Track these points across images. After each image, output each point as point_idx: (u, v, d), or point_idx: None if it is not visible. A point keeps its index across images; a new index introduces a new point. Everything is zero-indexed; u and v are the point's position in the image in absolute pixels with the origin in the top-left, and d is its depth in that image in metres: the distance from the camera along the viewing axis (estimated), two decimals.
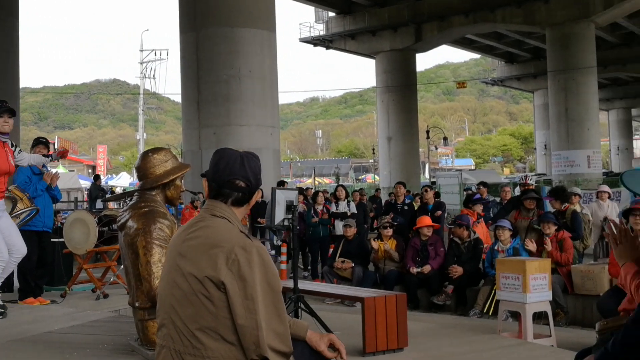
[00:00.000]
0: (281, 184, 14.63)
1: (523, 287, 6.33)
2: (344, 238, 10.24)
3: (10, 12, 18.71)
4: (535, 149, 59.46)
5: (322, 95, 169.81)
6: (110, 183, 41.86)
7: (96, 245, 8.41)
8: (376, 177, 51.90)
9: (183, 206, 14.19)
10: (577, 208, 10.77)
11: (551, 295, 6.68)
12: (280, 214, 5.96)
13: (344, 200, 12.56)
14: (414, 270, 9.13)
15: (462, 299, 8.82)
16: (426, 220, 9.73)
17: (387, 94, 35.85)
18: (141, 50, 54.96)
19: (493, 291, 7.77)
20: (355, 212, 12.52)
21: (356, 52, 38.62)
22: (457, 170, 52.73)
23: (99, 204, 21.05)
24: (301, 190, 16.01)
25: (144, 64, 54.22)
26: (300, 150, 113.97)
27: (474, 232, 9.50)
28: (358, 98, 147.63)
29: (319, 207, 12.17)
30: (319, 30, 39.08)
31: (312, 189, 22.88)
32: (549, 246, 8.18)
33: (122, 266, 5.51)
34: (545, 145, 46.79)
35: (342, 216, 11.96)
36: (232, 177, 2.50)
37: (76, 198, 27.18)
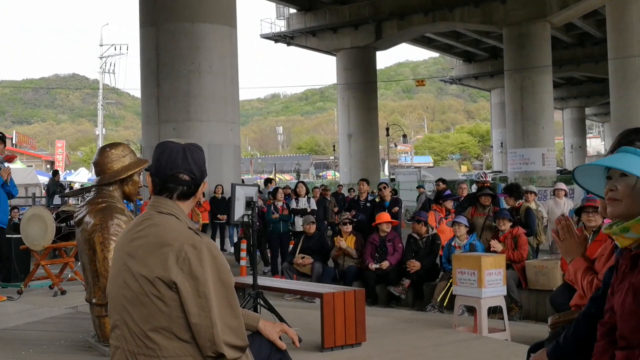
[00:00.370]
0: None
1: (478, 282, 6.47)
2: (303, 234, 10.30)
3: None
4: (491, 146, 60.39)
5: (283, 92, 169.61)
6: (69, 179, 41.11)
7: (54, 241, 8.30)
8: (337, 174, 52.13)
9: (142, 202, 14.06)
10: (533, 205, 11.02)
11: (506, 290, 6.84)
12: (239, 210, 5.98)
13: (304, 197, 12.61)
14: (373, 266, 9.25)
15: (419, 294, 8.97)
16: (385, 216, 9.85)
17: (348, 91, 36.02)
18: (101, 45, 54.10)
19: (449, 286, 7.92)
20: (316, 208, 12.58)
21: (317, 49, 38.68)
22: (415, 167, 53.30)
23: (57, 200, 20.68)
24: (269, 180, 16.00)
25: (104, 59, 53.40)
26: (260, 146, 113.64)
27: (432, 228, 9.67)
28: (319, 95, 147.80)
29: (279, 204, 12.20)
30: (280, 26, 39.04)
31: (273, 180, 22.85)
32: (498, 248, 8.34)
33: (79, 262, 5.47)
34: (502, 143, 47.56)
35: (302, 212, 12.01)
36: (175, 171, 2.43)
37: (34, 194, 26.62)
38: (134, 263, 2.35)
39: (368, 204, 12.22)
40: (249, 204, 6.02)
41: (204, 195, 16.05)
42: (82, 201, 5.23)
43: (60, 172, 25.46)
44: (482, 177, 12.48)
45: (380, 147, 42.50)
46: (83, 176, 43.92)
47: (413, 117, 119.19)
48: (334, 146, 60.92)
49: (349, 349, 5.68)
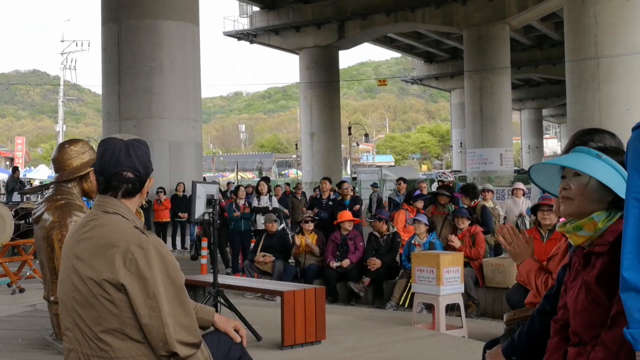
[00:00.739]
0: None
1: (437, 280, 6.57)
2: (265, 232, 10.30)
3: None
4: (451, 146, 61.07)
5: (246, 90, 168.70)
6: (29, 175, 40.29)
7: (12, 238, 8.17)
8: (299, 172, 52.11)
9: (93, 202, 13.86)
10: (490, 204, 11.22)
11: (463, 287, 6.96)
12: (200, 208, 5.96)
13: (266, 195, 12.61)
14: (334, 264, 9.30)
15: (379, 292, 9.06)
16: (347, 215, 9.91)
17: (310, 90, 36.05)
18: (62, 41, 53.13)
19: (409, 284, 8.01)
20: (277, 206, 12.59)
21: (280, 47, 38.60)
22: (377, 166, 53.60)
23: (16, 197, 20.28)
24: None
25: (65, 55, 52.46)
26: (223, 144, 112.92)
27: (393, 227, 9.77)
28: (282, 93, 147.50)
29: (241, 202, 12.18)
30: (243, 24, 38.83)
31: (233, 183, 22.77)
32: (456, 243, 8.48)
33: (38, 260, 5.39)
34: (461, 143, 48.11)
35: (264, 210, 12.00)
36: (119, 169, 2.39)
37: None
38: (81, 265, 2.32)
39: (330, 202, 12.31)
40: (210, 201, 6.00)
41: (164, 193, 15.93)
42: (41, 198, 5.17)
43: (19, 169, 24.96)
44: (443, 176, 12.67)
45: (342, 146, 42.63)
46: (43, 173, 43.12)
47: (375, 116, 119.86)
48: (296, 145, 60.90)
49: (309, 346, 5.71)
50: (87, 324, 2.31)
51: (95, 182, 2.45)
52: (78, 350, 2.35)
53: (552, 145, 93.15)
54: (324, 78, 35.96)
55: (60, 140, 46.57)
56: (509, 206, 11.76)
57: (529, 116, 65.61)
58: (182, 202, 15.58)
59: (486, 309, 8.32)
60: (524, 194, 12.14)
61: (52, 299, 4.36)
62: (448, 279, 6.62)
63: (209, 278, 6.46)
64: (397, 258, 9.45)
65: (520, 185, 12.32)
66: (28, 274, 8.52)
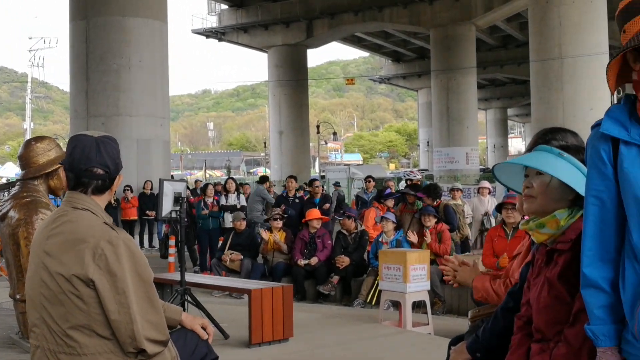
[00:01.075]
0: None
1: (404, 278, 6.63)
2: (233, 230, 10.27)
3: None
4: (418, 145, 61.47)
5: (215, 88, 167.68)
6: None
7: None
8: (267, 170, 51.98)
9: (63, 199, 13.68)
10: (459, 202, 11.38)
11: (429, 285, 7.04)
12: (167, 206, 5.93)
13: (234, 193, 12.57)
14: (302, 262, 9.32)
15: (347, 290, 9.11)
16: (315, 213, 9.94)
17: (279, 88, 35.98)
18: (30, 38, 52.31)
19: (376, 282, 8.07)
20: (245, 204, 12.56)
21: (249, 45, 38.44)
22: (345, 164, 53.74)
23: None
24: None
25: (33, 52, 51.58)
26: (191, 142, 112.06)
27: (360, 224, 9.84)
28: (250, 91, 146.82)
29: (209, 200, 12.13)
30: (212, 22, 38.58)
31: (201, 181, 22.62)
32: (428, 238, 8.60)
33: (4, 258, 5.31)
34: (428, 142, 48.44)
35: (232, 209, 11.98)
36: (89, 166, 2.40)
37: None
38: (50, 261, 2.31)
39: (297, 200, 12.34)
40: (177, 199, 5.97)
41: (132, 191, 15.78)
42: (7, 196, 5.09)
43: None
44: (410, 174, 12.79)
45: (311, 144, 42.65)
46: (10, 170, 42.38)
47: (343, 115, 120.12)
48: (265, 143, 60.78)
49: (277, 344, 5.73)
50: (55, 321, 2.30)
51: (65, 179, 2.46)
52: (45, 347, 2.34)
53: (517, 144, 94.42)
54: (293, 76, 35.93)
55: (28, 137, 45.72)
56: (475, 205, 11.89)
57: (494, 116, 66.34)
58: (149, 200, 15.46)
59: (452, 306, 8.41)
60: (489, 193, 12.29)
61: (18, 297, 4.31)
62: (414, 277, 6.69)
63: (177, 276, 6.43)
64: (365, 256, 9.51)
65: (486, 184, 12.46)
66: None
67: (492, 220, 11.40)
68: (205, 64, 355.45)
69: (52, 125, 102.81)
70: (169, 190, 5.98)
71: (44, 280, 2.32)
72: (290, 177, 13.12)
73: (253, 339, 5.62)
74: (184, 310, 5.78)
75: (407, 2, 32.70)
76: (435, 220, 8.88)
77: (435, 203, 9.64)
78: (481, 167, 39.31)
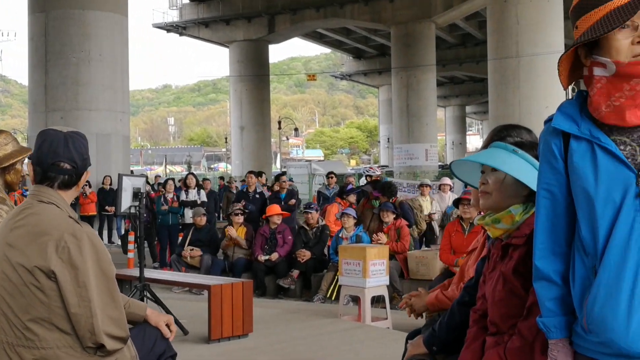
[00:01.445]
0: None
1: (363, 273, 6.68)
2: (193, 226, 10.21)
3: None
4: (379, 142, 61.86)
5: (175, 83, 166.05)
6: None
7: None
8: (228, 166, 51.68)
9: (28, 192, 13.44)
10: (428, 198, 11.50)
11: (388, 280, 7.10)
12: (126, 201, 5.86)
13: (195, 189, 12.49)
14: (262, 258, 9.32)
15: (307, 285, 9.14)
16: (275, 209, 9.94)
17: (241, 83, 35.78)
18: None
19: (336, 277, 8.11)
20: (206, 200, 12.49)
21: (210, 40, 38.13)
22: (307, 160, 53.75)
23: None
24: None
25: None
26: (151, 137, 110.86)
27: (322, 219, 9.88)
28: (211, 86, 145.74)
29: (169, 195, 12.03)
30: (173, 16, 38.17)
31: (160, 176, 22.40)
32: (383, 239, 8.63)
33: None
34: (388, 139, 48.76)
35: (192, 204, 11.89)
36: (56, 160, 2.41)
37: None
38: (13, 253, 2.30)
39: (257, 196, 12.32)
40: (136, 195, 5.92)
41: (90, 186, 15.56)
42: None
43: None
44: (370, 171, 12.88)
45: (272, 140, 42.55)
46: None
47: (305, 111, 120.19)
48: (226, 138, 60.39)
49: (236, 340, 5.72)
50: (14, 313, 2.28)
51: (32, 172, 2.45)
52: (3, 339, 2.32)
53: (475, 141, 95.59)
54: (254, 72, 35.77)
55: None
56: (436, 201, 12.03)
57: (453, 113, 67.15)
58: (108, 196, 15.29)
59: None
60: (451, 189, 12.43)
61: None
62: (374, 272, 6.74)
63: (136, 272, 6.37)
64: (325, 251, 9.56)
65: (447, 180, 12.59)
66: None
67: (454, 216, 11.57)
68: (166, 59, 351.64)
69: (10, 120, 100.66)
70: (128, 186, 5.92)
71: (5, 272, 2.31)
72: (250, 172, 13.10)
73: (212, 334, 5.61)
74: None
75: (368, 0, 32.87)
76: (394, 216, 8.97)
77: (392, 200, 9.73)
78: (440, 163, 39.75)
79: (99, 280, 2.28)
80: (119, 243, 14.49)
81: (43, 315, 2.26)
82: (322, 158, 76.67)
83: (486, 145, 2.56)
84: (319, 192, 14.89)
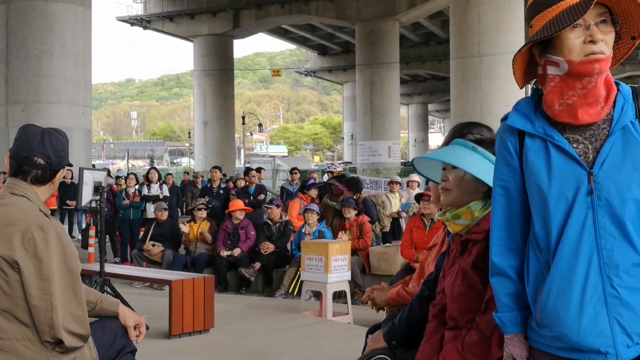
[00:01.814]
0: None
1: (325, 268, 6.71)
2: (155, 221, 10.13)
3: None
4: (343, 138, 61.98)
5: (139, 77, 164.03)
6: None
7: None
8: (192, 161, 51.29)
9: (4, 184, 13.19)
10: (397, 195, 11.56)
11: (350, 275, 7.15)
12: (87, 195, 5.80)
13: (157, 183, 12.38)
14: (224, 253, 9.29)
15: (269, 281, 9.14)
16: (238, 204, 9.92)
17: (205, 78, 35.51)
18: None
19: (298, 272, 8.13)
20: (168, 195, 12.39)
21: (174, 34, 37.76)
22: (270, 156, 53.63)
23: None
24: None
25: None
26: (113, 131, 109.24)
27: (285, 214, 9.89)
28: (175, 81, 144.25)
29: (131, 190, 11.91)
30: (137, 9, 37.67)
31: (122, 170, 22.10)
32: (344, 237, 8.68)
33: None
34: (352, 136, 48.90)
35: (154, 199, 11.78)
36: (30, 154, 2.43)
37: None
38: None
39: (221, 191, 12.28)
40: (97, 189, 5.85)
41: None
42: None
43: None
44: (332, 167, 12.92)
45: (236, 135, 42.34)
46: None
47: (269, 106, 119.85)
48: (189, 133, 59.88)
49: (197, 335, 5.71)
50: None
51: (8, 165, 2.47)
52: None
53: (437, 139, 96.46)
54: (219, 66, 35.53)
55: None
56: (404, 198, 12.08)
57: (415, 111, 67.66)
58: (69, 190, 15.04)
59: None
60: (418, 186, 12.49)
61: None
62: (336, 267, 6.78)
63: (96, 267, 6.31)
64: (288, 246, 9.57)
65: (415, 177, 12.59)
66: None
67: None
68: (129, 52, 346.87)
69: None
70: (89, 179, 5.86)
71: None
72: (215, 167, 13.04)
73: (173, 330, 5.59)
74: None
75: None
76: (356, 212, 9.02)
77: (356, 197, 9.79)
78: (402, 160, 40.06)
79: (63, 276, 2.27)
80: (80, 237, 14.28)
81: (5, 306, 2.25)
82: (286, 154, 76.60)
83: (447, 142, 2.60)
84: (282, 188, 14.87)
